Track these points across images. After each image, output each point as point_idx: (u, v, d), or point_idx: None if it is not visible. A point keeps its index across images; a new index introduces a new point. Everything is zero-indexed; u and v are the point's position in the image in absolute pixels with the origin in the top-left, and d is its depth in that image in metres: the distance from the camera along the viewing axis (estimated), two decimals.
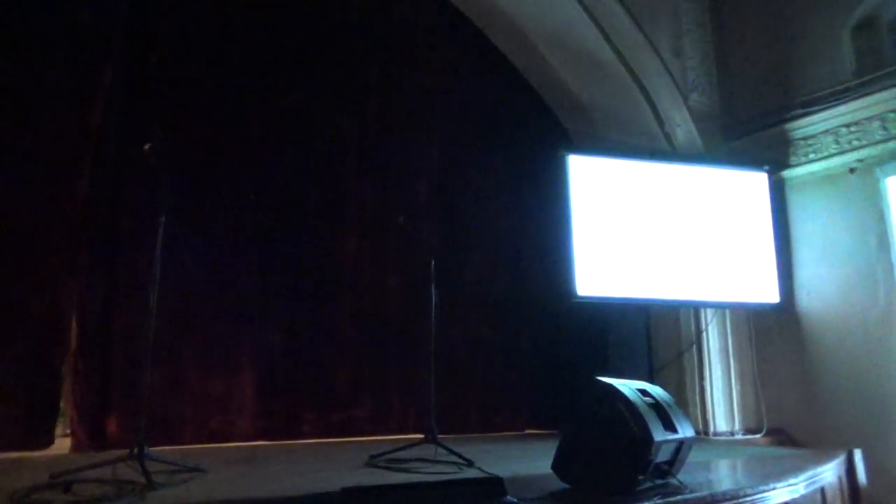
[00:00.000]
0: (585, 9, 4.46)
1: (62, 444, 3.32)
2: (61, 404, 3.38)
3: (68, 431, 3.43)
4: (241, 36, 4.05)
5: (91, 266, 3.50)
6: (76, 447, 3.30)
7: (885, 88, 4.12)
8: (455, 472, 2.78)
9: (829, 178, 4.44)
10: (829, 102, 4.40)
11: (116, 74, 3.62)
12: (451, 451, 2.95)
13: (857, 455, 3.53)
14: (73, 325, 3.43)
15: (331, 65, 4.36)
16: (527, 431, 4.76)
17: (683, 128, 4.83)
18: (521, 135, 5.09)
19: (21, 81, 3.35)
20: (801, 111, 4.56)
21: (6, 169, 3.27)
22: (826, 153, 4.45)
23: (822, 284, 4.40)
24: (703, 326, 4.58)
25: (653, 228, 4.35)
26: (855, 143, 4.29)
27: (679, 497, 2.37)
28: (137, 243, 3.35)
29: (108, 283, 3.52)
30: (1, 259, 3.21)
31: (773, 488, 2.67)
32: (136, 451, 2.44)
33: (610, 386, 2.53)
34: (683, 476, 2.59)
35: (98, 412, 3.38)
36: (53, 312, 3.32)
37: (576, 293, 4.12)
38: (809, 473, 2.99)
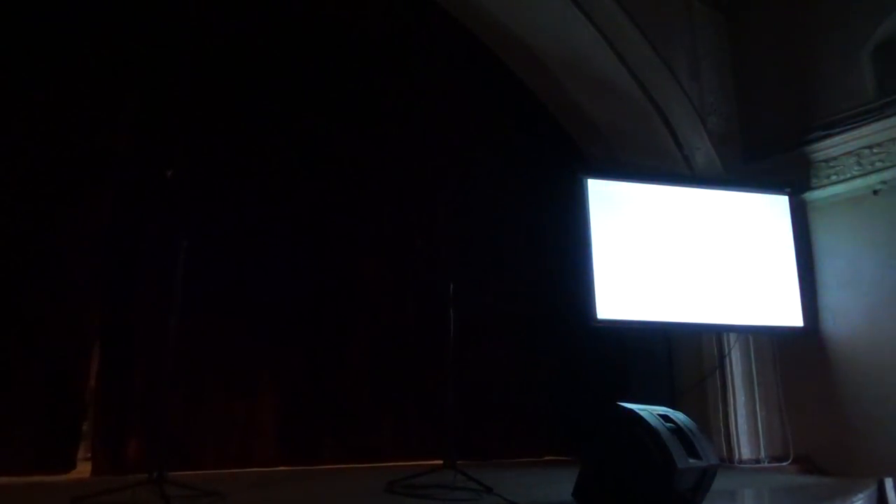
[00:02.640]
0: (602, 34, 4.49)
1: (83, 468, 3.33)
2: (83, 428, 3.41)
3: (89, 455, 3.45)
4: (265, 65, 4.12)
5: (114, 291, 3.55)
6: (96, 471, 3.32)
7: None
8: (474, 499, 2.74)
9: (852, 201, 4.38)
10: (851, 124, 4.36)
11: (140, 99, 3.71)
12: (470, 478, 2.92)
13: (889, 484, 3.43)
14: (96, 348, 3.47)
15: (349, 90, 4.41)
16: (546, 458, 4.69)
17: (702, 151, 4.81)
18: (538, 158, 5.10)
19: (45, 106, 3.44)
20: (821, 133, 4.52)
21: (30, 193, 3.34)
22: (848, 175, 4.39)
23: (847, 308, 4.31)
24: (726, 351, 4.50)
25: (673, 252, 4.31)
26: (878, 164, 4.24)
27: None
28: (160, 268, 3.39)
29: (130, 308, 3.56)
30: (24, 283, 3.27)
31: None
32: (155, 475, 2.45)
33: (631, 411, 2.50)
34: None
35: (119, 436, 3.40)
36: (75, 336, 3.36)
37: (596, 317, 4.08)
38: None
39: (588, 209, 4.23)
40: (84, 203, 3.48)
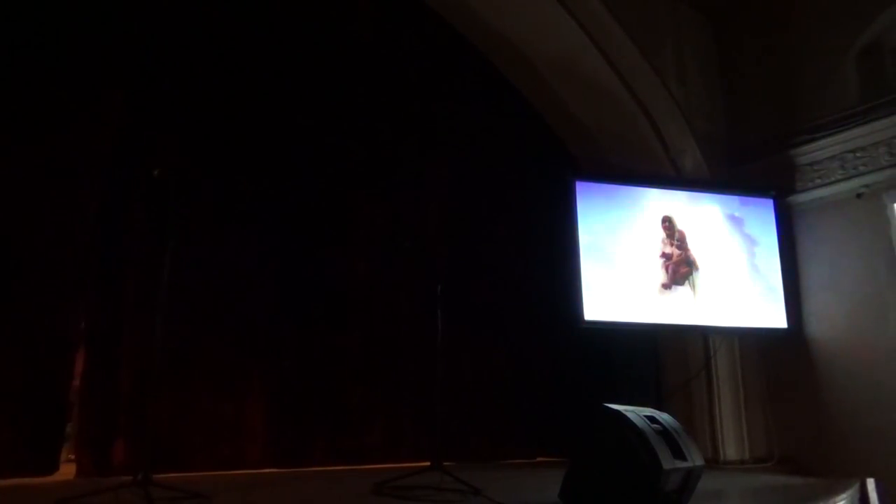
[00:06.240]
0: (590, 37, 4.51)
1: (67, 470, 3.30)
2: (67, 429, 3.37)
3: (73, 457, 3.42)
4: (254, 62, 4.09)
5: (99, 290, 3.52)
6: (81, 473, 3.28)
7: (891, 114, 4.14)
8: (461, 501, 2.75)
9: (835, 204, 4.43)
10: (835, 128, 4.41)
11: (127, 98, 3.67)
12: (458, 479, 2.92)
13: (871, 484, 3.47)
14: (81, 349, 3.43)
15: (341, 92, 4.40)
16: (538, 459, 4.70)
17: (689, 154, 4.84)
18: (528, 160, 5.12)
19: (32, 103, 3.39)
20: (806, 137, 4.57)
21: (16, 192, 3.30)
22: (832, 179, 4.45)
23: (830, 310, 4.36)
24: (712, 352, 4.54)
25: (660, 254, 4.34)
26: (861, 168, 4.30)
27: None
28: (146, 268, 3.36)
29: (116, 308, 3.53)
30: (9, 283, 3.23)
31: None
32: (140, 477, 2.43)
33: (618, 413, 2.51)
34: None
35: (104, 438, 3.36)
36: (61, 337, 3.33)
37: (583, 318, 4.11)
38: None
39: (576, 211, 4.26)
40: (70, 203, 3.45)
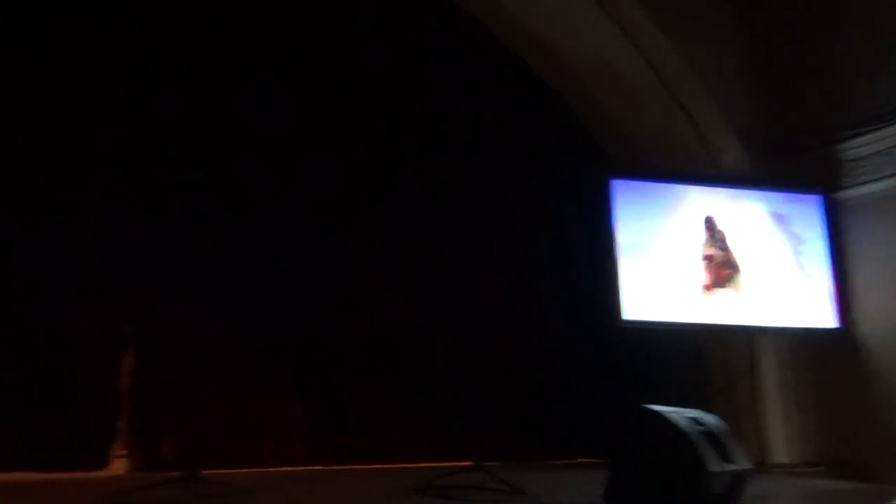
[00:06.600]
0: (624, 32, 4.46)
1: (117, 465, 3.39)
2: (118, 425, 3.47)
3: (124, 452, 3.52)
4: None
5: (148, 289, 3.60)
6: (131, 468, 3.38)
7: None
8: (504, 501, 2.74)
9: (885, 200, 4.28)
10: (883, 122, 4.27)
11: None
12: (500, 479, 2.91)
13: None
14: (131, 347, 3.52)
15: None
16: (579, 460, 4.66)
17: (729, 150, 4.74)
18: (561, 158, 5.06)
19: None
20: (852, 131, 4.44)
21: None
22: (881, 174, 4.30)
23: (882, 309, 4.21)
24: (758, 353, 4.43)
25: (702, 256, 4.26)
26: None
27: None
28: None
29: (165, 306, 3.59)
30: (58, 282, 3.33)
31: None
32: (188, 473, 2.49)
33: (660, 414, 2.48)
34: None
35: (154, 434, 3.45)
36: (111, 334, 3.42)
37: (621, 317, 4.05)
38: None
39: (613, 210, 4.20)
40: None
